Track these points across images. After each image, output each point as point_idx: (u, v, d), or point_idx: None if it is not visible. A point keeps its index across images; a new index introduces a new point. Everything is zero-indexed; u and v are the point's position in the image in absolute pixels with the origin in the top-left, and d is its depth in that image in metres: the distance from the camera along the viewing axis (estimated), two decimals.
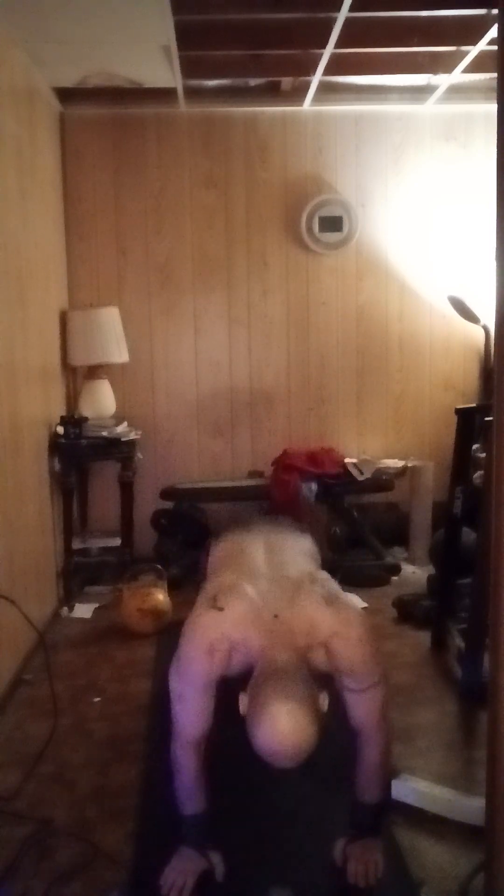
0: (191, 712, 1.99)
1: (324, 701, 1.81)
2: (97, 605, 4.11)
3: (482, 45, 3.70)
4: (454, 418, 3.42)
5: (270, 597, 1.95)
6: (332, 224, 4.64)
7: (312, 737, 1.72)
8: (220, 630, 1.90)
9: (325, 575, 2.16)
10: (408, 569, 4.51)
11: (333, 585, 2.10)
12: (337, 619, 1.93)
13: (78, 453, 4.15)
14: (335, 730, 2.71)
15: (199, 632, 1.94)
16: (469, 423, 3.39)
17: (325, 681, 1.91)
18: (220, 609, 1.91)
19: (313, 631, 1.91)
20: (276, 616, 1.91)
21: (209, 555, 2.45)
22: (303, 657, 1.87)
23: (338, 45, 3.67)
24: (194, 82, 4.28)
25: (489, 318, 4.35)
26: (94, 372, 4.45)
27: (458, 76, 4.16)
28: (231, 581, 2.02)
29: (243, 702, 1.80)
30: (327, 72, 4.05)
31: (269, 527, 2.56)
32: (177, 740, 2.02)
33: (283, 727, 1.69)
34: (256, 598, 1.94)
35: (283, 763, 1.74)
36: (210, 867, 2.03)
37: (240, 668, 1.91)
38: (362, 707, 1.99)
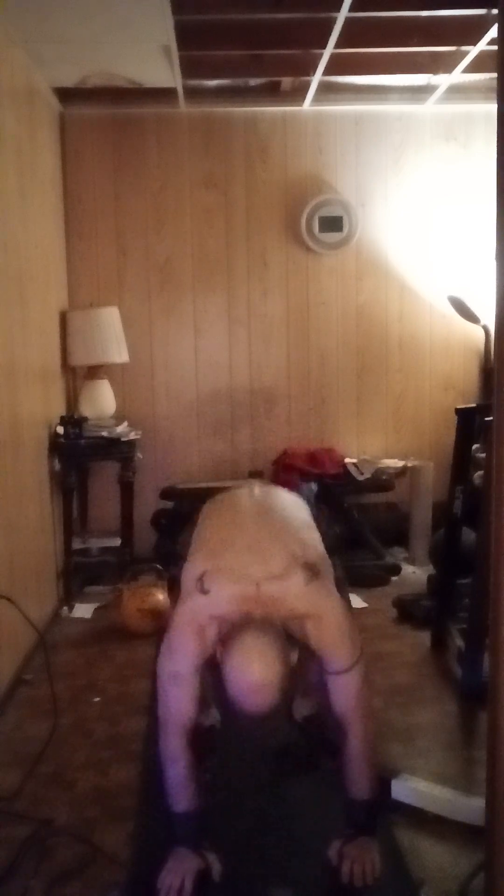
0: (184, 695, 2.02)
1: (293, 655, 1.93)
2: (97, 605, 4.11)
3: (482, 45, 3.70)
4: (454, 418, 3.42)
5: (255, 568, 1.98)
6: (332, 224, 4.64)
7: (280, 679, 1.85)
8: (208, 612, 1.97)
9: (314, 541, 2.18)
10: (408, 569, 4.51)
11: (319, 551, 2.14)
12: (312, 601, 1.99)
13: (78, 453, 4.15)
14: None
15: (189, 616, 2.01)
16: (469, 423, 3.39)
17: (302, 647, 2.02)
18: (206, 592, 1.97)
19: (291, 606, 1.97)
20: (258, 585, 1.95)
21: (196, 522, 2.45)
22: (280, 619, 1.96)
23: (338, 45, 3.67)
24: (194, 82, 4.28)
25: (489, 318, 4.35)
26: (94, 372, 4.44)
27: (458, 76, 4.16)
28: (216, 560, 2.04)
29: (219, 650, 1.93)
30: (327, 72, 4.05)
31: (260, 488, 2.54)
32: (169, 729, 2.05)
33: (253, 664, 1.83)
34: (240, 572, 1.98)
35: (252, 703, 1.85)
36: (207, 867, 2.03)
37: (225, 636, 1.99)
38: (340, 691, 2.03)
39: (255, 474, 4.71)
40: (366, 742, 2.06)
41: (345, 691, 2.03)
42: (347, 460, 4.56)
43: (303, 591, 1.96)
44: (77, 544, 4.34)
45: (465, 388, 4.83)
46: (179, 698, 2.03)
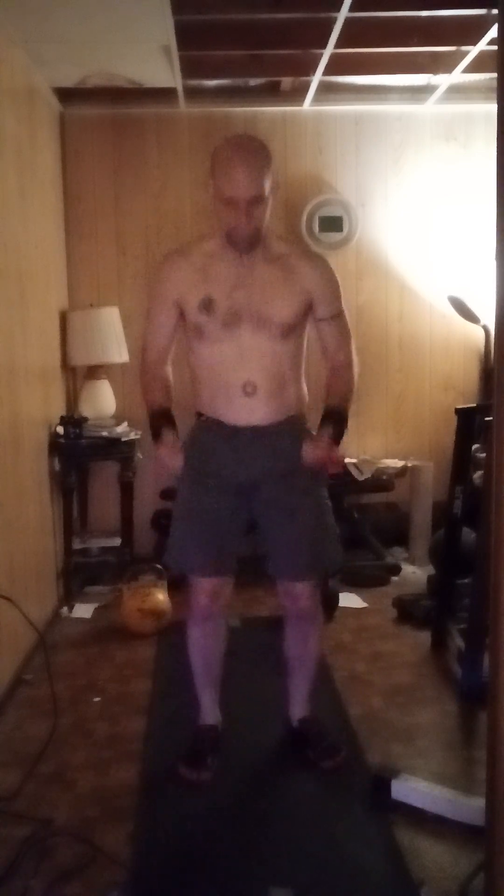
0: (158, 324, 2.50)
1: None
2: (97, 605, 4.11)
3: (482, 45, 3.70)
4: (454, 418, 3.42)
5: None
6: (332, 224, 4.64)
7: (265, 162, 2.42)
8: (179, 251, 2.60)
9: None
10: (408, 569, 4.51)
11: None
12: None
13: (78, 453, 4.15)
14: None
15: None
16: (469, 423, 3.39)
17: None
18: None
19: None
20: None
21: None
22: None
23: (338, 45, 3.66)
24: (194, 82, 4.28)
25: (489, 318, 4.35)
26: (94, 372, 4.44)
27: (458, 76, 4.16)
28: None
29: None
30: (327, 72, 4.05)
31: None
32: (149, 353, 2.53)
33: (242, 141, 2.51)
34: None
35: (240, 165, 2.42)
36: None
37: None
38: (331, 335, 2.57)
39: None
40: (350, 374, 2.56)
41: (335, 332, 2.56)
42: (347, 460, 4.55)
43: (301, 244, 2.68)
44: (77, 544, 4.34)
45: (465, 388, 4.83)
46: (155, 327, 2.51)
